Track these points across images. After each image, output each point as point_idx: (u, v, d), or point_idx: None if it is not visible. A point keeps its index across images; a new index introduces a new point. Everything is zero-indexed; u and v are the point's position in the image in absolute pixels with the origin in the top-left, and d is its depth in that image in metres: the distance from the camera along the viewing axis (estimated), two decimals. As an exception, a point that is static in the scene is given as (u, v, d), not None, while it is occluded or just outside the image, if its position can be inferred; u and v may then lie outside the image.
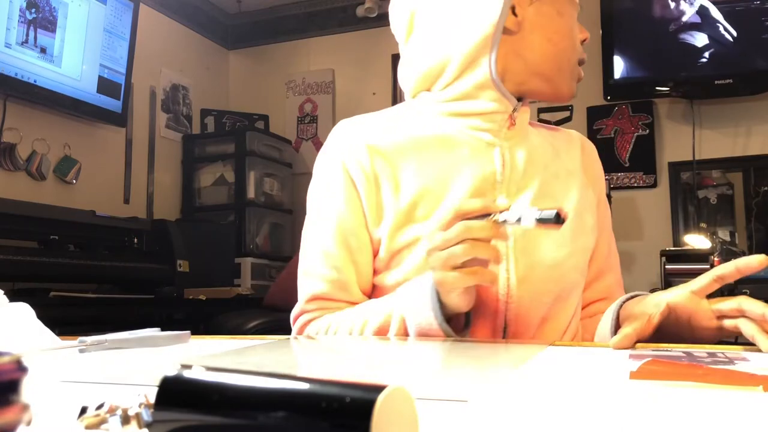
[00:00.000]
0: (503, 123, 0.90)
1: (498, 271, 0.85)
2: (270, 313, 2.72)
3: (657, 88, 3.15)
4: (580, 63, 0.94)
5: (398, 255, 0.88)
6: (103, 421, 0.35)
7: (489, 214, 0.72)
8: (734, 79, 2.98)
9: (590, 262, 0.97)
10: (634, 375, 0.48)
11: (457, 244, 0.72)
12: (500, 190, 0.88)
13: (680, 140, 3.23)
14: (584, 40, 0.95)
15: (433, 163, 0.89)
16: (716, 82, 3.02)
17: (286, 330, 1.00)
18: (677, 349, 0.68)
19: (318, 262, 0.91)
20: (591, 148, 1.04)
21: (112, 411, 0.35)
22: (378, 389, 0.27)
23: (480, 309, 0.85)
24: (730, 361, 0.57)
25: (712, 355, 0.62)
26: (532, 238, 0.87)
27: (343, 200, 0.90)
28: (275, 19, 4.11)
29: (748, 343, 0.70)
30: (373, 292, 0.94)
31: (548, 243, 0.88)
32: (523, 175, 0.90)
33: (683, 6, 3.08)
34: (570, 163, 0.98)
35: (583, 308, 1.00)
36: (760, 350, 0.66)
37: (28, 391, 0.30)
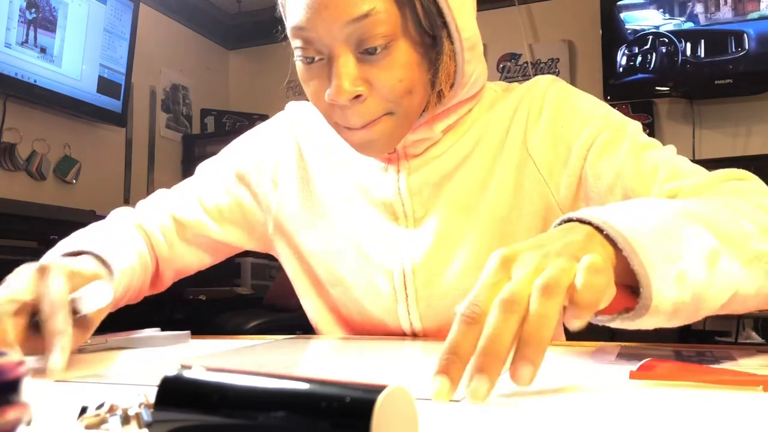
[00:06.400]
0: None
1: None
2: (270, 313, 2.71)
3: (657, 88, 3.14)
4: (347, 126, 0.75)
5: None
6: (103, 421, 0.35)
7: None
8: (734, 79, 2.98)
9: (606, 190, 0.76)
10: (634, 375, 0.48)
11: None
12: (401, 220, 0.83)
13: (680, 140, 3.23)
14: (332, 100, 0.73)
15: (339, 179, 0.88)
16: (716, 82, 3.01)
17: (286, 330, 1.00)
18: (665, 348, 0.68)
19: None
20: (540, 107, 0.81)
21: (112, 411, 0.35)
22: (378, 389, 0.27)
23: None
24: (716, 360, 0.57)
25: (700, 354, 0.63)
26: (436, 267, 0.79)
27: None
28: (275, 19, 4.10)
29: (741, 343, 0.70)
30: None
31: (459, 267, 0.79)
32: (428, 196, 0.82)
33: (684, 6, 3.07)
34: (504, 144, 0.81)
35: None
36: (747, 350, 0.67)
37: (28, 391, 0.30)
